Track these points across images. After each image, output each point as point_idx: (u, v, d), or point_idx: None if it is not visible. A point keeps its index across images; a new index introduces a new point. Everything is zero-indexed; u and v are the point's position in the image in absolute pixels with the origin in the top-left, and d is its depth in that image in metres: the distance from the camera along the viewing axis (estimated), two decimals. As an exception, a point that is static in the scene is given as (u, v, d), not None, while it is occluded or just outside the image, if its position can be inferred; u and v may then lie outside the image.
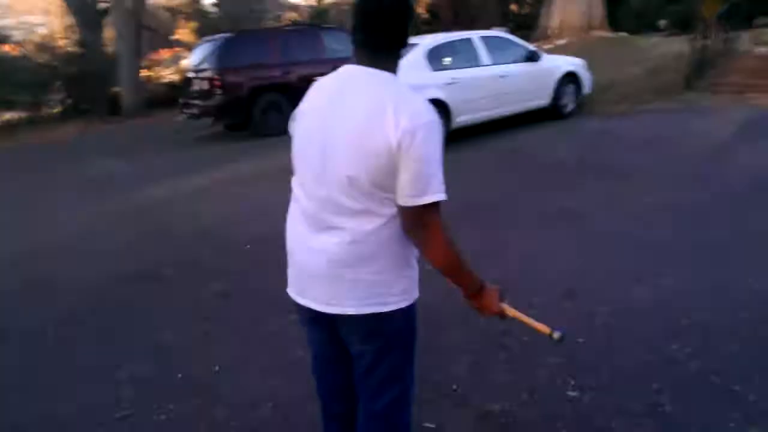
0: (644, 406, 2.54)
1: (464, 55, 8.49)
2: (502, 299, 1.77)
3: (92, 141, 12.56)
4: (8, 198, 7.89)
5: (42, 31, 29.70)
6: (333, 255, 1.63)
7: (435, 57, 8.13)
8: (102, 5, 19.68)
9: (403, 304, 1.68)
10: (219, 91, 10.23)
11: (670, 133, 7.62)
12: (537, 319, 1.79)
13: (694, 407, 2.50)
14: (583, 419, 2.50)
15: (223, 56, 10.48)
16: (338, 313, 1.67)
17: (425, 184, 1.51)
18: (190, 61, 11.79)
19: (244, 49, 10.87)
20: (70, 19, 19.22)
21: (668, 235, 4.43)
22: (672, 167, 6.16)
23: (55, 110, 16.80)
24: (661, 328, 3.14)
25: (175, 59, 22.70)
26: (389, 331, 1.70)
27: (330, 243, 1.63)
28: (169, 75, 20.39)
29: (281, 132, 10.48)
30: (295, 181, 1.77)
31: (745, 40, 11.41)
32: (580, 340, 3.08)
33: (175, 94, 17.04)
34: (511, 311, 1.77)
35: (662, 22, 20.27)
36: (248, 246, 5.09)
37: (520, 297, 3.31)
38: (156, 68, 20.89)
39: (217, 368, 3.20)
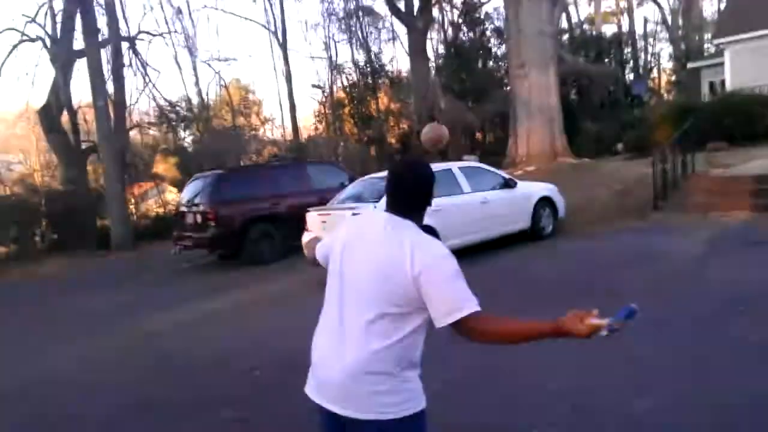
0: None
1: (446, 183, 9.05)
2: (586, 315, 1.89)
3: (84, 275, 12.74)
4: (8, 332, 7.92)
5: (20, 169, 30.49)
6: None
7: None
8: (85, 144, 20.57)
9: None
10: (212, 224, 10.67)
11: (646, 252, 8.12)
12: None
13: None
14: None
15: (215, 191, 11.05)
16: None
17: (456, 301, 1.85)
18: (182, 195, 12.31)
19: (235, 184, 11.51)
20: (51, 157, 19.94)
21: (652, 349, 4.72)
22: (653, 284, 6.55)
23: (42, 246, 16.96)
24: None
25: (156, 192, 23.42)
26: None
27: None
28: (154, 209, 20.93)
29: (273, 260, 10.88)
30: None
31: (700, 162, 12.38)
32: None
33: (161, 227, 17.53)
34: (598, 323, 1.87)
35: (618, 147, 21.80)
36: (258, 372, 5.22)
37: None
38: (140, 203, 21.45)
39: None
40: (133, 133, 23.76)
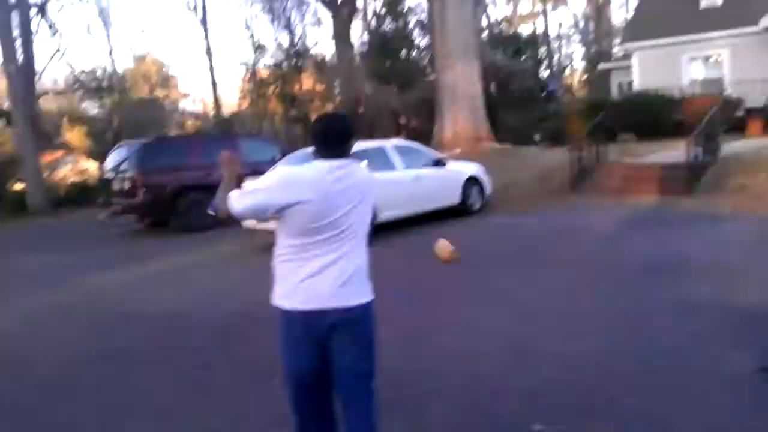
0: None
1: (380, 160, 9.37)
2: None
3: (5, 238, 12.14)
4: None
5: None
6: None
7: (355, 162, 8.95)
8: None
9: None
10: (142, 191, 10.46)
11: (567, 227, 8.80)
12: None
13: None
14: None
15: (144, 159, 10.85)
16: None
17: None
18: (107, 163, 11.95)
19: (165, 152, 11.37)
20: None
21: (582, 305, 5.25)
22: (576, 254, 7.18)
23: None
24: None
25: (67, 161, 22.43)
26: None
27: None
28: (70, 177, 20.02)
29: (203, 228, 10.81)
30: None
31: (612, 151, 13.35)
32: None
33: (80, 195, 16.94)
34: None
35: (536, 136, 22.95)
36: (215, 323, 5.34)
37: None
38: (52, 171, 20.42)
39: (217, 424, 3.44)
40: (41, 102, 22.55)
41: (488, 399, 3.50)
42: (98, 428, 3.48)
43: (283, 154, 11.61)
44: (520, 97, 28.56)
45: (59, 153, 23.09)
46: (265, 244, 8.92)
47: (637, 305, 5.11)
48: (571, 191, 11.49)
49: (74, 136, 26.20)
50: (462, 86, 17.63)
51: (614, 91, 24.03)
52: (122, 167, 11.14)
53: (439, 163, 10.18)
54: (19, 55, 17.50)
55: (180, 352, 4.71)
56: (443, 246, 2.77)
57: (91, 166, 21.02)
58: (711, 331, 4.37)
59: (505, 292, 5.73)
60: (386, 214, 9.01)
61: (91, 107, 26.72)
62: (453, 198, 10.17)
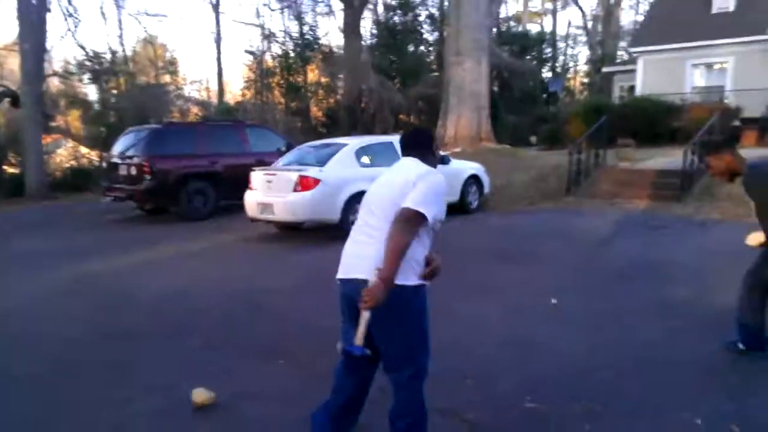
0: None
1: (386, 155, 9.55)
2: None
3: (3, 221, 12.30)
4: None
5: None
6: None
7: (361, 156, 9.18)
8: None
9: None
10: (148, 177, 10.66)
11: (560, 228, 9.07)
12: None
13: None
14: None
15: (152, 144, 11.01)
16: None
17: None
18: (115, 147, 12.13)
19: (172, 139, 11.49)
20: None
21: (572, 300, 5.51)
22: (569, 252, 7.46)
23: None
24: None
25: (59, 145, 22.63)
26: None
27: None
28: (66, 161, 20.18)
29: (205, 217, 11.07)
30: None
31: (610, 155, 13.60)
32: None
33: (77, 179, 17.12)
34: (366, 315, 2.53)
35: (533, 138, 23.21)
36: (215, 309, 5.58)
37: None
38: (48, 153, 20.58)
39: (230, 393, 3.69)
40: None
41: (482, 382, 3.78)
42: (105, 404, 3.68)
43: (289, 146, 11.82)
44: (521, 97, 28.83)
45: (56, 136, 23.26)
46: (265, 234, 9.25)
47: (624, 303, 5.39)
48: (567, 193, 11.75)
49: (71, 119, 26.33)
50: (469, 84, 17.76)
51: (616, 95, 24.21)
52: (129, 152, 11.34)
53: (443, 160, 10.38)
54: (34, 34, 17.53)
55: (183, 333, 4.93)
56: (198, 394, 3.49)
57: (85, 151, 21.16)
58: (689, 328, 4.66)
59: (496, 289, 5.99)
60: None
61: (94, 91, 26.87)
62: (453, 196, 10.37)
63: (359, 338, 2.54)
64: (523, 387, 3.70)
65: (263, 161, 10.70)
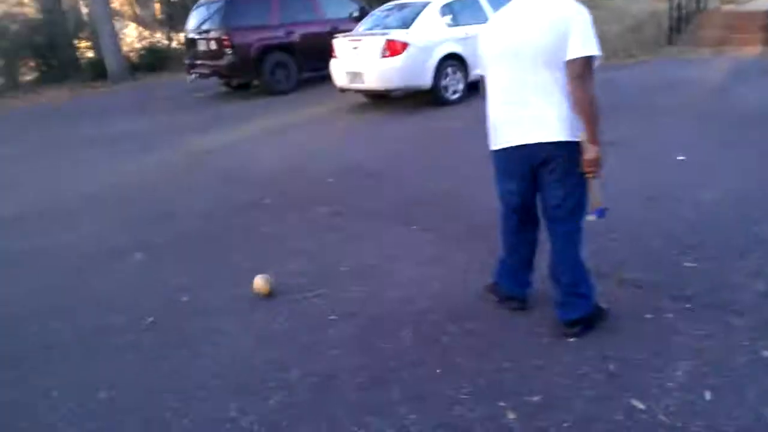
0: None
1: (472, 12, 8.95)
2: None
3: (89, 105, 12.55)
4: (67, 153, 8.00)
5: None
6: None
7: (447, 14, 8.63)
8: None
9: None
10: (229, 51, 10.47)
11: (671, 80, 8.46)
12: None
13: None
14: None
15: (228, 17, 10.68)
16: None
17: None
18: (188, 22, 11.88)
19: (246, 11, 11.07)
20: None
21: (698, 148, 5.22)
22: (686, 103, 7.02)
23: (32, 78, 16.49)
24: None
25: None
26: None
27: None
28: (139, 41, 20.13)
29: (289, 89, 10.92)
30: None
31: (711, -1, 12.45)
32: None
33: (153, 59, 17.14)
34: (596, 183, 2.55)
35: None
36: (331, 179, 5.60)
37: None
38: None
39: (373, 261, 3.74)
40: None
41: (632, 240, 3.67)
42: (253, 266, 3.72)
43: (362, 10, 11.29)
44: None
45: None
46: (355, 104, 9.06)
47: (755, 152, 5.08)
48: (668, 42, 10.89)
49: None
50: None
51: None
52: (204, 26, 11.09)
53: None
54: None
55: (308, 203, 4.98)
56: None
57: (144, 33, 20.93)
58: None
59: (624, 144, 5.70)
60: (478, 72, 8.82)
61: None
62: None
63: (594, 204, 2.64)
64: (675, 244, 3.55)
65: (337, 29, 10.26)
